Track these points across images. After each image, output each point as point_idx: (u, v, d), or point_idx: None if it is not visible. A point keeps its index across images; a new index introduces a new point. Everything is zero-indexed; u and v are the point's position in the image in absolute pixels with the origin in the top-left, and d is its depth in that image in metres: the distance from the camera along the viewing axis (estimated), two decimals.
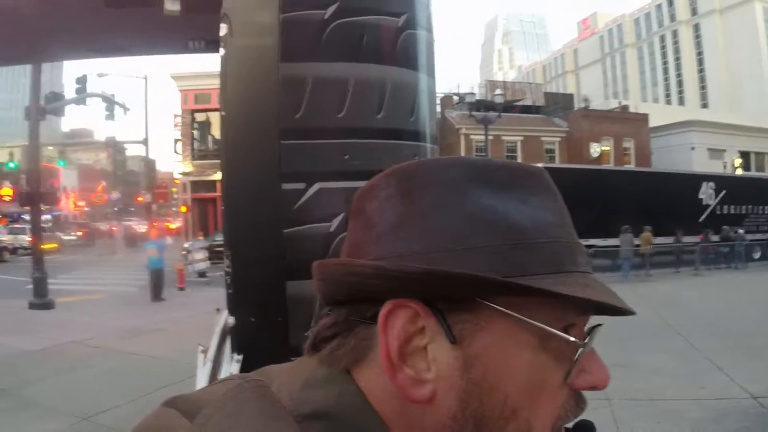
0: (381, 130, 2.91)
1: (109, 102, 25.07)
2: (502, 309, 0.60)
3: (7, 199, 37.90)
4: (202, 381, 2.69)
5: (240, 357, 3.14)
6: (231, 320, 3.34)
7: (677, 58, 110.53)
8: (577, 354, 0.64)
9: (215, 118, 40.66)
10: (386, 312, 0.61)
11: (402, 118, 3.00)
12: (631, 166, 41.63)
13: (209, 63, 23.25)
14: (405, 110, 3.01)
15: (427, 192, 0.64)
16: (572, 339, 0.63)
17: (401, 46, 3.01)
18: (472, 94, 31.18)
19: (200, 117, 42.38)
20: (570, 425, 0.69)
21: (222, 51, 3.23)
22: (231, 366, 3.13)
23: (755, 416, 7.14)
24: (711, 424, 6.88)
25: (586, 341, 0.65)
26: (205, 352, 3.38)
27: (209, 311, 11.88)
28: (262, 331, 3.18)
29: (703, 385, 8.30)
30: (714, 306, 15.89)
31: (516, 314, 0.60)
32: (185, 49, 5.69)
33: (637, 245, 23.09)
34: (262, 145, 2.99)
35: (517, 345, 0.61)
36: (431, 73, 3.28)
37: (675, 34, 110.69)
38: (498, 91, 29.16)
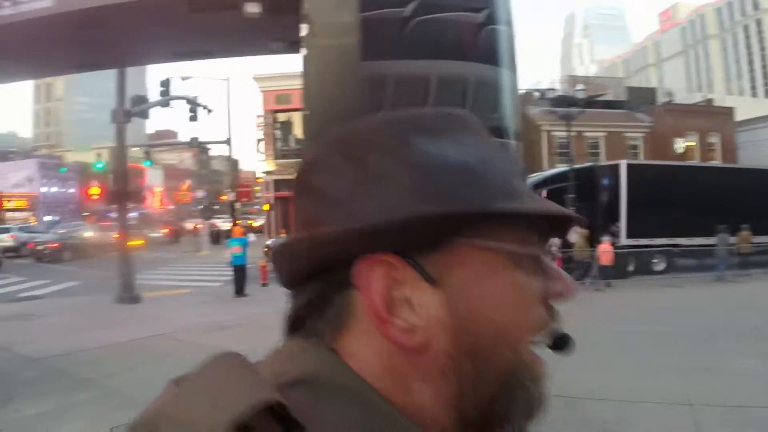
0: None
1: (193, 104, 25.70)
2: (473, 241, 0.64)
3: (95, 197, 39.22)
4: None
5: None
6: None
7: (762, 48, 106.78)
8: (544, 265, 0.69)
9: (297, 118, 41.26)
10: (363, 271, 0.63)
11: (485, 114, 2.95)
12: (717, 162, 40.27)
13: (290, 64, 23.49)
14: (488, 106, 2.97)
15: (372, 153, 0.66)
16: (539, 252, 0.69)
17: (482, 42, 2.96)
18: (553, 89, 30.70)
19: (282, 117, 43.11)
20: (549, 340, 0.73)
21: (303, 51, 3.24)
22: None
23: None
24: None
25: (547, 251, 0.71)
26: None
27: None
28: None
29: None
30: None
31: (486, 242, 0.64)
32: (267, 51, 5.76)
33: (732, 244, 22.20)
34: None
35: (493, 272, 0.65)
36: (513, 69, 3.22)
37: (759, 23, 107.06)
38: (579, 87, 28.60)
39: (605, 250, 20.07)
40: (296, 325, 0.71)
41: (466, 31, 2.95)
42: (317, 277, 0.68)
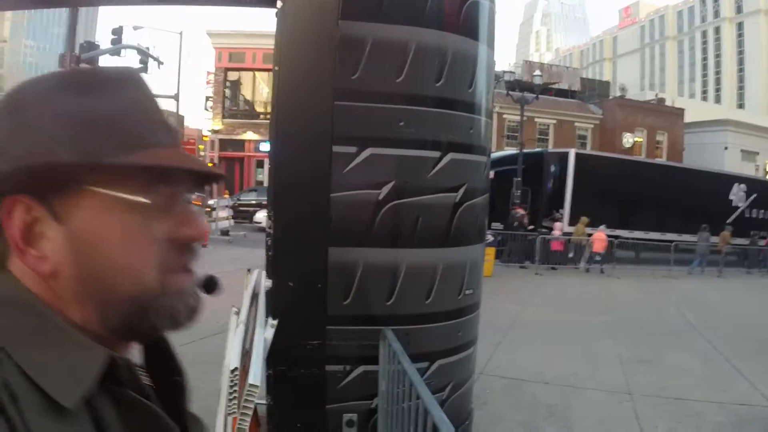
0: (438, 98, 2.83)
1: (144, 55, 24.92)
2: (95, 188, 0.74)
3: None
4: (236, 344, 2.61)
5: (275, 322, 3.06)
6: (268, 283, 3.25)
7: (717, 55, 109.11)
8: (175, 210, 0.80)
9: (247, 78, 40.61)
10: (5, 210, 0.73)
11: (460, 88, 2.92)
12: (662, 160, 41.12)
13: (246, 22, 23.03)
14: (464, 80, 2.93)
15: (27, 106, 0.76)
16: (142, 200, 0.76)
17: (465, 14, 2.91)
18: (512, 72, 30.81)
19: (233, 76, 42.32)
20: (200, 281, 0.86)
21: (279, 4, 3.14)
22: (266, 331, 2.99)
23: None
24: (732, 429, 6.82)
25: (168, 197, 0.79)
26: (238, 313, 3.24)
27: (232, 270, 11.86)
28: (299, 296, 3.13)
29: (725, 388, 8.23)
30: (735, 308, 15.75)
31: (105, 190, 0.74)
32: (241, 2, 5.56)
33: (714, 243, 22.95)
34: (315, 104, 2.90)
35: (110, 212, 0.75)
36: (491, 45, 3.19)
37: (717, 30, 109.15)
38: (537, 72, 28.77)
39: (599, 238, 20.81)
40: None
41: (450, 0, 2.90)
42: None
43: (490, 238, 17.33)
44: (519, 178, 21.98)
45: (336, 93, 2.73)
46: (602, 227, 21.42)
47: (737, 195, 28.93)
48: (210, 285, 0.89)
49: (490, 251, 16.86)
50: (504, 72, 33.94)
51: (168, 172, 0.78)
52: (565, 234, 22.16)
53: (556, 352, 9.20)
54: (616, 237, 21.83)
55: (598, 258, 20.85)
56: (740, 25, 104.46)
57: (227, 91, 42.51)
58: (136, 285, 0.77)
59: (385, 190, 2.82)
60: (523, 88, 27.84)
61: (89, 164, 0.72)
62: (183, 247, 0.82)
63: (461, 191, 2.84)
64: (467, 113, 2.92)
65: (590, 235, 21.37)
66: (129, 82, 0.82)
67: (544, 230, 22.25)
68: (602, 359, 9.07)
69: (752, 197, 29.34)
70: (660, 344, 10.34)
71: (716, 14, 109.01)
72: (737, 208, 28.84)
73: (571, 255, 21.55)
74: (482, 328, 8.66)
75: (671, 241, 22.41)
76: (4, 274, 0.76)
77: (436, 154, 2.78)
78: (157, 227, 0.78)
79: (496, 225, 20.64)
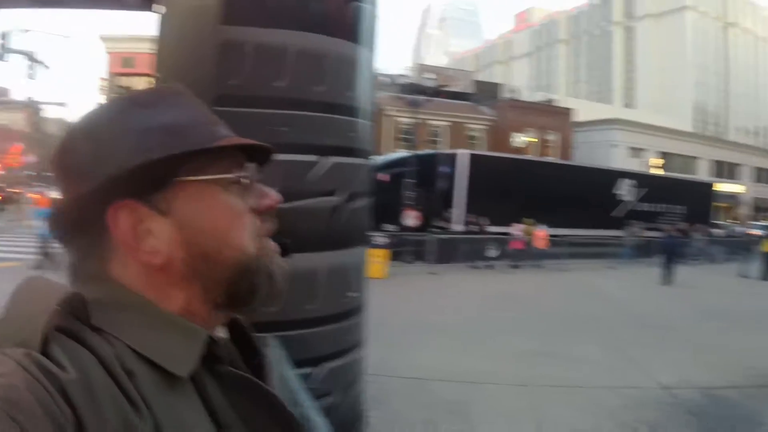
0: (319, 102, 2.82)
1: (33, 60, 23.92)
2: (188, 177, 0.85)
3: None
4: None
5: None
6: None
7: (607, 58, 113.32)
8: (250, 186, 0.92)
9: (140, 84, 39.58)
10: (112, 215, 0.82)
11: (340, 92, 2.92)
12: (553, 158, 42.42)
13: (140, 26, 22.47)
14: (345, 84, 2.94)
15: (101, 127, 0.87)
16: (239, 174, 0.90)
17: (346, 18, 2.93)
18: (404, 75, 31.13)
19: (125, 82, 41.19)
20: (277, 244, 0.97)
21: (159, 8, 3.07)
22: None
23: (669, 406, 7.42)
24: (628, 413, 7.10)
25: (249, 174, 0.92)
26: None
27: None
28: None
29: (621, 375, 8.58)
30: (627, 298, 16.40)
31: (197, 176, 0.86)
32: (118, 5, 5.42)
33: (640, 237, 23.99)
34: None
35: (209, 196, 0.87)
36: (372, 48, 3.21)
37: (608, 34, 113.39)
38: (429, 75, 29.18)
39: (540, 237, 21.88)
40: (75, 270, 0.89)
41: (331, 4, 2.91)
42: (81, 229, 0.86)
43: (383, 240, 17.43)
44: (411, 180, 22.19)
45: (216, 99, 2.69)
46: (542, 226, 22.37)
47: (623, 189, 30.15)
48: (285, 248, 0.99)
49: (383, 253, 16.97)
50: (396, 75, 34.28)
51: (238, 153, 0.92)
52: (461, 232, 22.60)
53: (455, 350, 9.34)
54: (508, 234, 22.35)
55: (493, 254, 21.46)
56: (629, 29, 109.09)
57: None
58: (238, 252, 0.88)
59: None
60: (416, 90, 28.16)
61: (174, 156, 0.82)
62: (263, 216, 0.94)
63: (342, 194, 2.85)
64: (348, 116, 2.93)
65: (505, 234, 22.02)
66: (181, 95, 0.94)
67: (436, 230, 22.57)
68: (501, 354, 9.27)
69: (640, 191, 30.67)
70: (557, 335, 10.68)
71: (607, 19, 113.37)
72: (626, 201, 30.09)
73: (463, 254, 21.95)
74: (379, 327, 8.71)
75: (564, 236, 23.13)
76: (105, 282, 0.84)
77: (317, 158, 2.78)
78: (245, 201, 0.91)
79: (390, 226, 20.81)
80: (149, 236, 0.84)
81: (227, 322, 0.97)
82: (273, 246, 0.95)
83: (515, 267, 21.70)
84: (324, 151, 2.81)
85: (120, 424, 0.69)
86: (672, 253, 19.51)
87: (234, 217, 0.89)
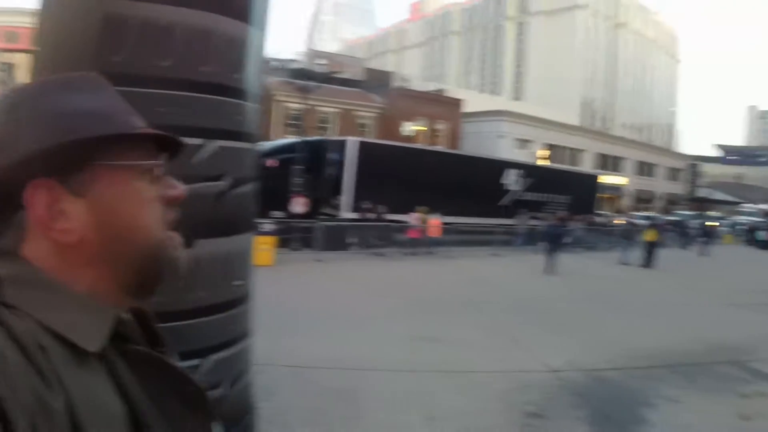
0: (206, 83, 2.70)
1: None
2: (104, 162, 0.88)
3: None
4: None
5: None
6: None
7: (498, 51, 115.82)
8: (160, 176, 0.96)
9: (22, 60, 37.65)
10: (30, 193, 0.83)
11: (228, 73, 2.80)
12: (442, 147, 43.05)
13: None
14: (232, 65, 2.82)
15: (23, 103, 0.88)
16: (152, 164, 0.94)
17: None
18: (294, 60, 30.80)
19: (7, 57, 39.00)
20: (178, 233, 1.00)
21: None
22: None
23: (555, 388, 7.68)
24: (516, 395, 7.27)
25: (161, 165, 0.96)
26: None
27: None
28: None
29: (505, 358, 8.78)
30: (513, 284, 16.83)
31: (112, 162, 0.89)
32: None
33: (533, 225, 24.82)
34: None
35: (123, 182, 0.90)
36: (263, 29, 3.10)
37: (500, 28, 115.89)
38: (320, 61, 29.00)
39: (434, 225, 22.47)
40: None
41: None
42: None
43: (270, 226, 17.26)
44: (300, 166, 22.02)
45: None
46: (436, 215, 22.89)
47: (510, 179, 30.91)
48: (188, 240, 1.03)
49: (270, 240, 16.82)
50: (287, 60, 33.94)
51: (151, 144, 0.95)
52: (349, 220, 22.64)
53: (342, 337, 9.35)
54: (398, 222, 22.53)
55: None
56: (521, 25, 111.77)
57: (1, 74, 39.17)
58: (148, 238, 0.92)
59: None
60: (307, 76, 27.92)
61: (89, 139, 0.85)
62: (170, 207, 0.97)
63: (228, 179, 2.73)
64: (235, 99, 2.81)
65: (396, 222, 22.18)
66: (99, 83, 0.97)
67: (325, 217, 22.53)
68: (388, 340, 9.35)
69: (525, 181, 31.51)
70: (444, 321, 10.87)
71: (500, 13, 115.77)
72: (511, 191, 30.86)
73: (350, 241, 22.03)
74: (266, 316, 8.61)
75: (452, 224, 23.52)
76: (18, 260, 0.85)
77: (202, 141, 2.66)
78: (155, 190, 0.94)
79: (278, 213, 20.62)
80: (64, 216, 0.86)
81: (134, 311, 1.00)
82: (177, 236, 0.99)
83: (413, 254, 22.04)
84: (209, 134, 2.69)
85: (32, 400, 0.70)
86: (553, 242, 20.14)
87: (145, 205, 0.93)
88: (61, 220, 0.85)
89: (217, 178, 2.68)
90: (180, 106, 2.60)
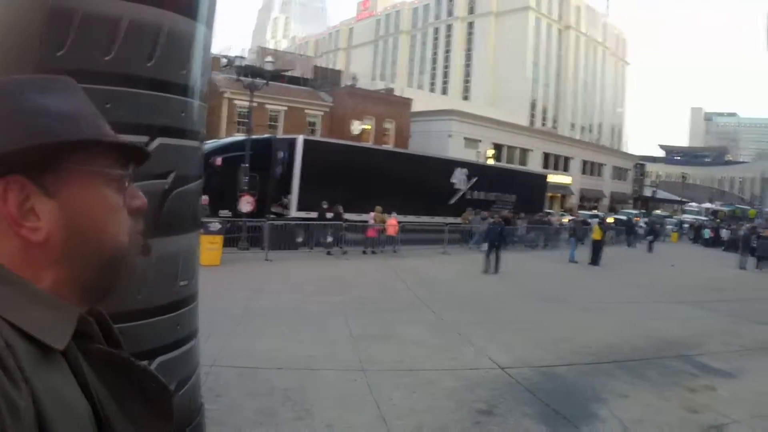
0: (149, 79, 2.64)
1: None
2: (75, 165, 0.89)
3: None
4: None
5: None
6: None
7: (447, 51, 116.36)
8: (126, 185, 0.97)
9: None
10: (2, 189, 0.84)
11: (173, 69, 2.74)
12: (390, 146, 43.12)
13: None
14: (177, 61, 2.76)
15: (0, 102, 0.87)
16: (121, 173, 0.95)
17: None
18: (242, 57, 30.44)
19: None
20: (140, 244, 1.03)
21: None
22: None
23: (505, 385, 7.72)
24: (466, 393, 7.29)
25: (127, 172, 0.97)
26: None
27: None
28: None
29: (455, 355, 8.81)
30: (461, 282, 16.91)
31: (83, 166, 0.90)
32: None
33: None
34: None
35: (93, 187, 0.91)
36: (210, 26, 3.05)
37: (449, 28, 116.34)
38: (269, 59, 28.79)
39: (392, 224, 22.70)
40: None
41: None
42: None
43: (217, 225, 17.09)
44: (247, 165, 21.79)
45: (39, 70, 2.44)
46: (393, 213, 23.28)
47: (458, 178, 31.06)
48: (145, 249, 1.05)
49: (218, 239, 16.66)
50: (235, 57, 33.65)
51: (119, 153, 0.96)
52: (294, 218, 22.52)
53: (291, 336, 9.29)
54: (346, 220, 22.47)
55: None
56: (471, 25, 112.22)
57: None
58: (113, 243, 0.94)
59: None
60: (255, 74, 27.66)
61: (62, 143, 0.86)
62: (133, 216, 0.99)
63: (171, 177, 2.67)
64: (180, 96, 2.75)
65: (344, 221, 22.08)
66: (73, 86, 0.98)
67: (273, 216, 22.37)
68: (336, 339, 9.31)
69: (473, 180, 31.69)
70: (392, 319, 10.86)
71: (449, 13, 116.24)
72: (459, 190, 31.01)
73: (299, 239, 21.91)
74: (213, 317, 8.52)
75: (401, 222, 23.56)
76: None
77: (145, 138, 2.59)
78: (122, 198, 0.96)
79: (225, 212, 20.41)
80: (34, 215, 0.87)
81: (91, 313, 0.99)
82: (138, 244, 1.01)
83: (365, 253, 22.24)
84: (153, 131, 2.63)
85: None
86: (495, 241, 19.99)
87: (113, 211, 0.94)
88: (31, 219, 0.86)
89: (161, 176, 2.62)
90: (123, 102, 2.53)
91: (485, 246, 19.97)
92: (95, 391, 0.90)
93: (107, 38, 2.54)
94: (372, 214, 23.13)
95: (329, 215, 22.72)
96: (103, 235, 0.92)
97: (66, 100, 0.92)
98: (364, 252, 22.34)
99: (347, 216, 22.99)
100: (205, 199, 15.59)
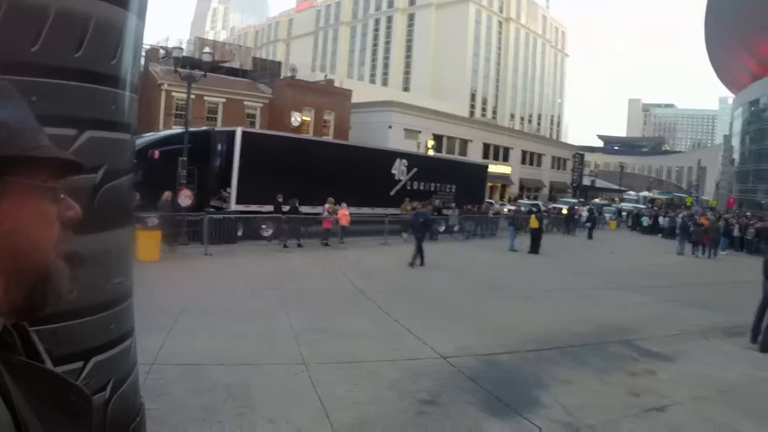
0: (77, 70, 2.54)
1: None
2: (11, 178, 0.87)
3: None
4: None
5: None
6: None
7: (387, 42, 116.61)
8: (61, 196, 0.97)
9: None
10: None
11: (103, 60, 2.65)
12: (330, 138, 43.07)
13: None
14: (107, 52, 2.67)
15: None
16: (56, 186, 0.95)
17: None
18: (180, 49, 29.97)
19: None
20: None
21: None
22: None
23: (448, 374, 7.77)
24: (409, 383, 7.30)
25: (63, 187, 0.97)
26: None
27: None
28: None
29: (397, 347, 8.82)
30: (401, 274, 16.95)
31: (19, 179, 0.88)
32: None
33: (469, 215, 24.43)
34: None
35: (29, 200, 0.90)
36: (142, 16, 2.96)
37: (390, 19, 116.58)
38: (207, 50, 28.41)
39: (344, 214, 23.14)
40: None
41: None
42: None
43: (155, 221, 16.81)
44: (185, 158, 21.45)
45: None
46: (343, 204, 23.72)
47: (399, 169, 31.11)
48: (78, 260, 1.12)
49: (156, 235, 16.39)
50: (173, 48, 33.14)
51: (55, 165, 0.95)
52: (235, 211, 22.30)
53: (231, 332, 9.20)
54: (284, 213, 22.32)
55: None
56: (412, 16, 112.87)
57: None
58: (44, 257, 0.93)
59: None
60: (193, 65, 27.27)
61: (11, 157, 0.85)
62: (65, 227, 0.99)
63: (101, 171, 2.58)
64: (110, 87, 2.66)
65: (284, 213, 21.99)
66: (11, 92, 0.95)
67: (212, 209, 22.12)
68: (277, 334, 9.26)
69: (413, 171, 31.78)
70: (333, 312, 10.85)
71: (390, 5, 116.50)
72: (400, 181, 31.05)
73: (240, 233, 21.70)
74: (152, 314, 8.38)
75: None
76: None
77: (74, 131, 2.50)
78: (55, 210, 0.96)
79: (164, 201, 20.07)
80: None
81: (15, 326, 0.97)
82: (66, 266, 0.99)
83: (326, 245, 22.43)
84: (82, 124, 2.54)
85: None
86: (420, 231, 19.40)
87: (47, 224, 0.94)
88: None
89: (91, 171, 2.53)
90: (49, 94, 2.43)
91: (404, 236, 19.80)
92: (17, 403, 0.86)
93: (34, 27, 2.44)
94: (327, 206, 23.21)
95: (285, 208, 22.49)
96: (34, 251, 0.92)
97: (5, 110, 0.90)
98: (324, 244, 22.57)
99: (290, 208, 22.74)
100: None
